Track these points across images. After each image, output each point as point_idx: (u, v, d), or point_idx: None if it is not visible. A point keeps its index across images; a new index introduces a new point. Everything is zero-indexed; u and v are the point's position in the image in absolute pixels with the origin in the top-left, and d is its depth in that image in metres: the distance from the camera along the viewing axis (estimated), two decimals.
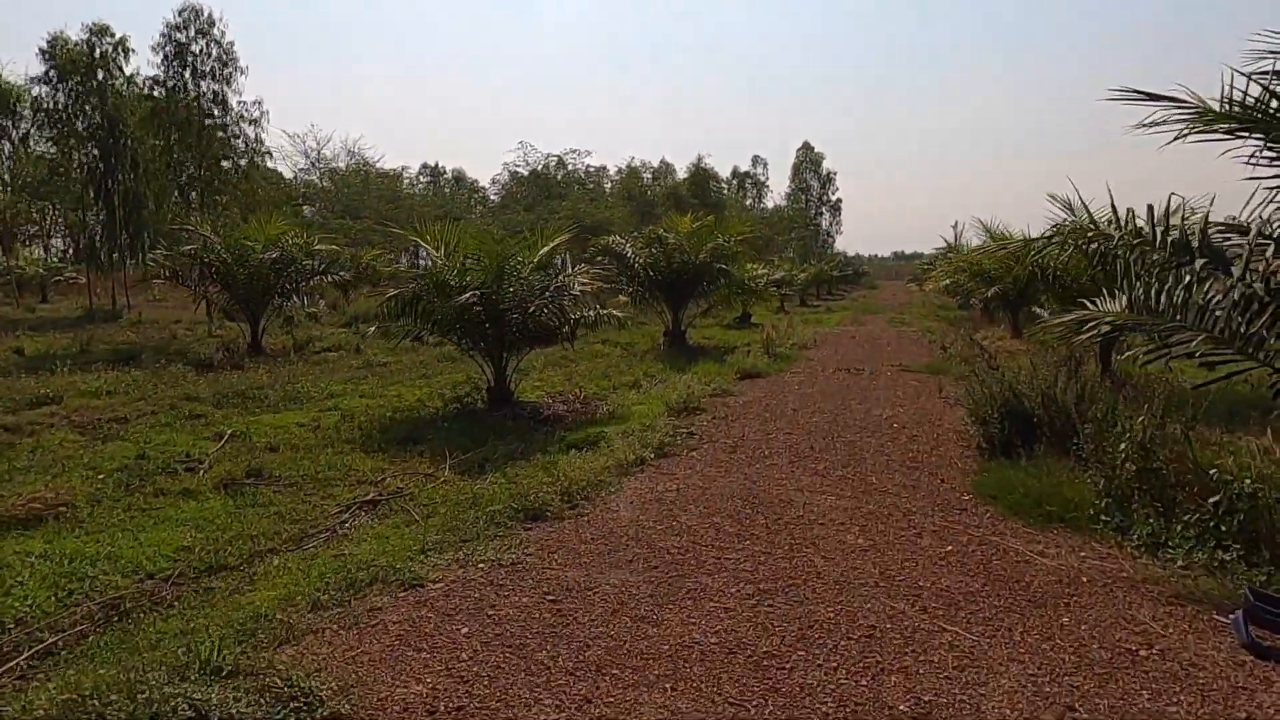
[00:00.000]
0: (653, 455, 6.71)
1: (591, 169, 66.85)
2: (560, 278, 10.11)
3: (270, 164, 33.63)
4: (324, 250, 16.29)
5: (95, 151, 25.88)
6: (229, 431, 8.16)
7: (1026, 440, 5.92)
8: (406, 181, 59.92)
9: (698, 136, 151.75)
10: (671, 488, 5.83)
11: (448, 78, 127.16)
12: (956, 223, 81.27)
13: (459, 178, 73.75)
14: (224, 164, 21.58)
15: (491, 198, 65.41)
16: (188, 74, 19.47)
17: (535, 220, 52.96)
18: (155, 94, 19.96)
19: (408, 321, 9.38)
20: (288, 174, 46.86)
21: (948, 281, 26.75)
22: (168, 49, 19.14)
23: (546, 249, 10.07)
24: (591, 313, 9.90)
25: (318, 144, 45.91)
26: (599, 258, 18.26)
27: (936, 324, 23.36)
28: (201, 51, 19.61)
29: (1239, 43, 4.46)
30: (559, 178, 62.61)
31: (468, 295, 8.66)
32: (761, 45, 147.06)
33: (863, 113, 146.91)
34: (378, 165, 48.47)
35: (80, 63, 25.23)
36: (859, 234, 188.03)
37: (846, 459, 6.60)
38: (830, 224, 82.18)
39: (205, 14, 20.12)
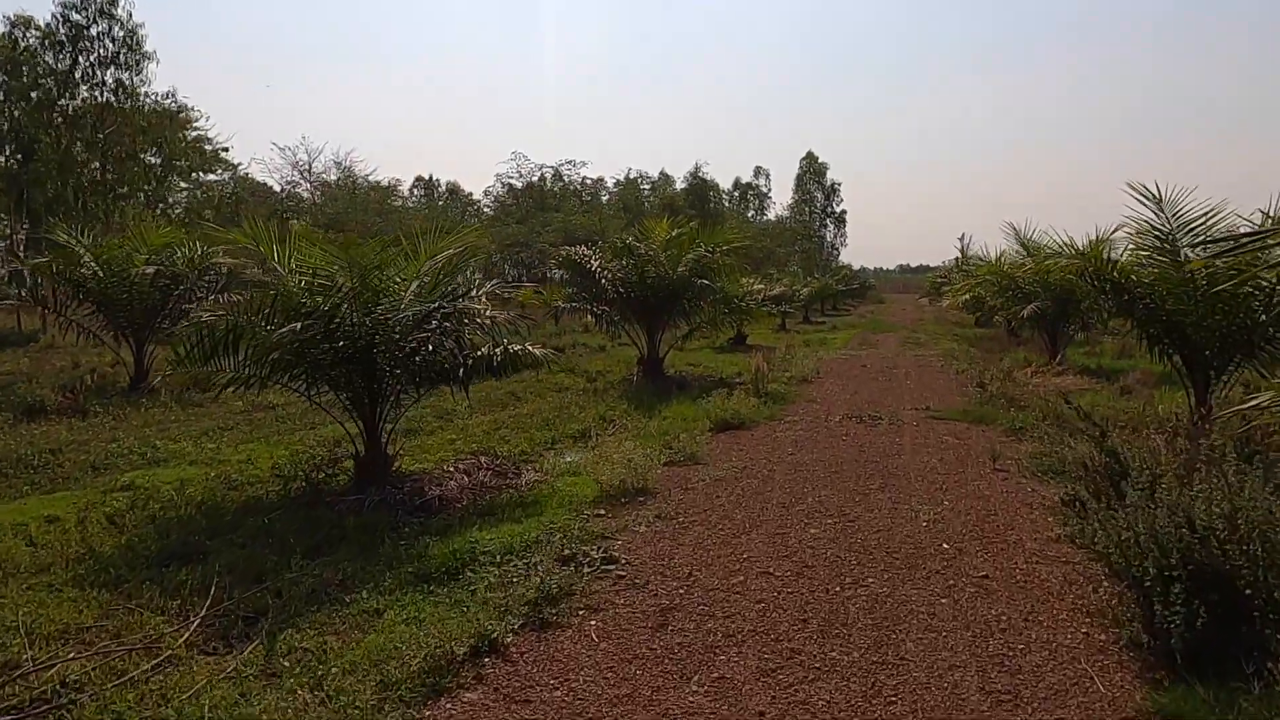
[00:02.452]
0: (515, 629, 3.70)
1: (588, 181, 64.41)
2: (462, 299, 7.24)
3: (213, 172, 31.24)
4: (224, 264, 13.46)
5: (18, 154, 23.22)
6: None
7: (1237, 636, 2.98)
8: (400, 196, 57.27)
9: (699, 149, 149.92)
10: None
11: (446, 92, 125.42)
12: (964, 235, 78.25)
13: (454, 190, 71.53)
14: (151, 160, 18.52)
15: (486, 210, 62.97)
16: (85, 60, 16.82)
17: (529, 233, 50.40)
18: (46, 83, 17.31)
19: (226, 364, 6.48)
20: (276, 187, 44.41)
21: (968, 297, 23.89)
22: (63, 32, 16.49)
23: (444, 256, 7.20)
24: (499, 350, 7.01)
25: (309, 156, 43.22)
26: (561, 272, 15.48)
27: (957, 346, 20.43)
28: (102, 34, 16.95)
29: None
30: (555, 190, 60.16)
31: (289, 328, 5.82)
32: (763, 59, 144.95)
33: (867, 123, 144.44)
34: (368, 178, 45.71)
35: (2, 55, 22.62)
36: (865, 247, 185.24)
37: (869, 663, 3.44)
38: (835, 236, 79.40)
39: None
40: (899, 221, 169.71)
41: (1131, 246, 8.51)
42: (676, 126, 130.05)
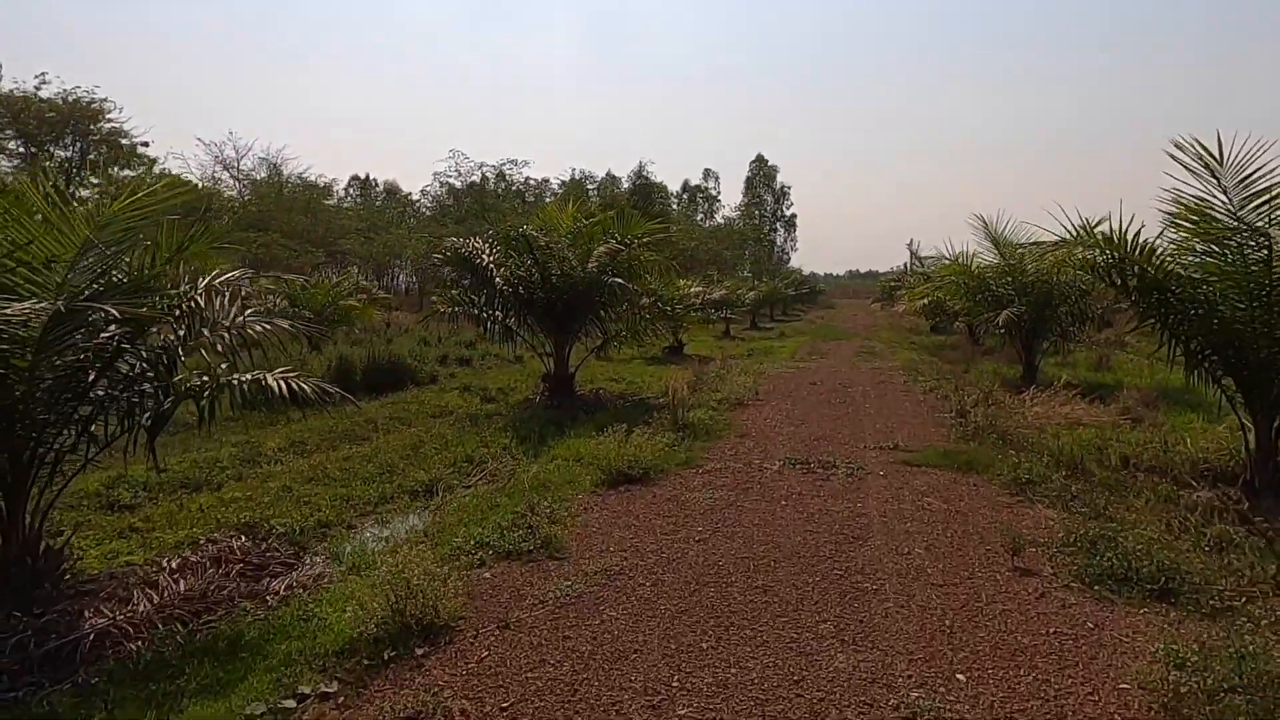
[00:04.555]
0: None
1: (533, 181, 61.49)
2: (180, 301, 4.49)
3: (130, 167, 27.90)
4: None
5: None
6: None
7: None
8: (336, 195, 53.45)
9: (648, 153, 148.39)
10: None
11: (398, 90, 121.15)
12: (912, 240, 77.16)
13: (391, 190, 67.99)
14: None
15: (424, 210, 59.70)
16: None
17: (468, 234, 47.34)
18: None
19: None
20: (199, 184, 40.55)
21: (925, 301, 21.91)
22: None
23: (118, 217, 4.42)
24: (224, 379, 4.28)
25: (236, 153, 39.43)
26: (447, 268, 12.74)
27: (918, 356, 18.24)
28: None
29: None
30: (498, 190, 57.24)
31: None
32: (716, 64, 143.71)
33: (816, 127, 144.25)
34: (301, 175, 42.04)
35: None
36: (814, 253, 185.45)
37: None
38: (785, 240, 77.84)
39: None
40: (848, 227, 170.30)
41: (1181, 233, 6.17)
42: (629, 130, 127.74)
